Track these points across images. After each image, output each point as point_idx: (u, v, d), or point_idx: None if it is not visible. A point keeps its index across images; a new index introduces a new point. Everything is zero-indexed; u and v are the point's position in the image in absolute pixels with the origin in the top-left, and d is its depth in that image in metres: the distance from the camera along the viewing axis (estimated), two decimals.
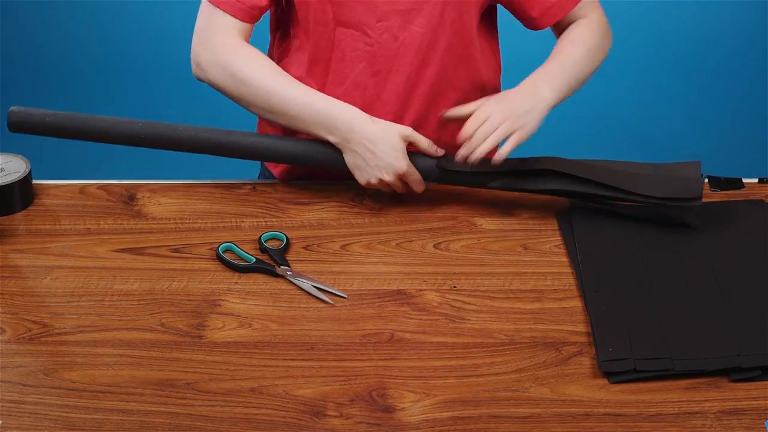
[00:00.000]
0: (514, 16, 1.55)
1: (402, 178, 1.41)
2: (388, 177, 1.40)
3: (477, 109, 1.41)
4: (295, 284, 1.30)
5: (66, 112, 1.45)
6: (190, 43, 1.47)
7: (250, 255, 1.35)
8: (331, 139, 1.41)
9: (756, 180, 1.52)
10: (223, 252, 1.35)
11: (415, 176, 1.42)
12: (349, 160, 1.41)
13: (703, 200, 1.46)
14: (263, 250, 1.37)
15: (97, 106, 3.35)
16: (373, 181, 1.41)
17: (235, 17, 1.44)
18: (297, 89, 1.43)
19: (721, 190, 1.50)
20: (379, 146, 1.39)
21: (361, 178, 1.42)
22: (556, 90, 1.44)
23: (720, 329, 1.20)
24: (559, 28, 1.55)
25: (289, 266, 1.33)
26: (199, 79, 1.48)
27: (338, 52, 1.47)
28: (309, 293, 1.29)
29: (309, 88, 1.44)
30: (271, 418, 1.10)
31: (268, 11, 1.51)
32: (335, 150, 1.42)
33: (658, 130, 3.31)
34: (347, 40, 1.46)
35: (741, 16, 3.58)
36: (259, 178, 1.68)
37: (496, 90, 1.59)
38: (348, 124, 1.40)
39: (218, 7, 1.44)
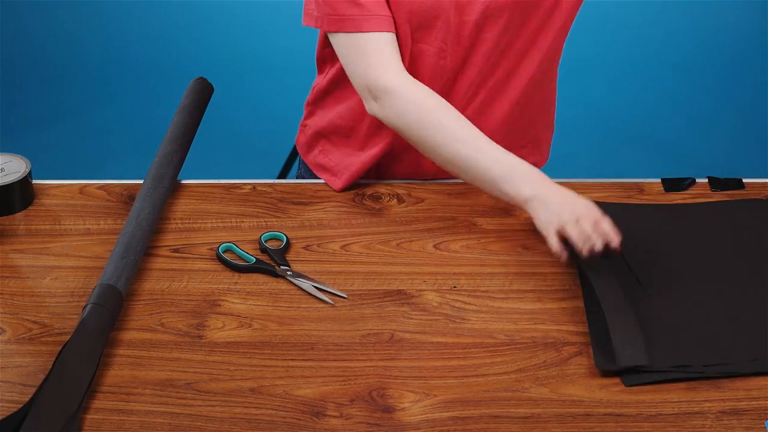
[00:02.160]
0: None
1: (599, 226, 1.27)
2: (585, 214, 1.27)
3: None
4: (295, 284, 1.30)
5: None
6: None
7: (250, 255, 1.35)
8: (522, 194, 1.31)
9: (756, 180, 1.52)
10: (223, 252, 1.35)
11: (612, 236, 1.26)
12: (539, 211, 1.30)
13: (704, 200, 1.47)
14: (263, 250, 1.37)
15: (97, 106, 3.36)
16: (569, 218, 1.27)
17: (387, 32, 1.37)
18: (482, 141, 1.35)
19: (721, 190, 1.50)
20: (569, 195, 1.31)
21: (556, 217, 1.28)
22: None
23: (721, 329, 1.20)
24: None
25: (289, 266, 1.33)
26: (375, 115, 1.41)
27: (414, 66, 1.43)
28: (309, 293, 1.29)
29: (492, 142, 1.35)
30: (271, 418, 1.10)
31: None
32: None
33: (660, 130, 3.32)
34: (423, 57, 1.43)
35: (742, 18, 3.58)
36: (296, 177, 1.69)
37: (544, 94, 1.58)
38: (537, 178, 1.32)
39: (366, 32, 1.35)
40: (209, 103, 1.67)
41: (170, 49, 3.42)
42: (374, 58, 1.37)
